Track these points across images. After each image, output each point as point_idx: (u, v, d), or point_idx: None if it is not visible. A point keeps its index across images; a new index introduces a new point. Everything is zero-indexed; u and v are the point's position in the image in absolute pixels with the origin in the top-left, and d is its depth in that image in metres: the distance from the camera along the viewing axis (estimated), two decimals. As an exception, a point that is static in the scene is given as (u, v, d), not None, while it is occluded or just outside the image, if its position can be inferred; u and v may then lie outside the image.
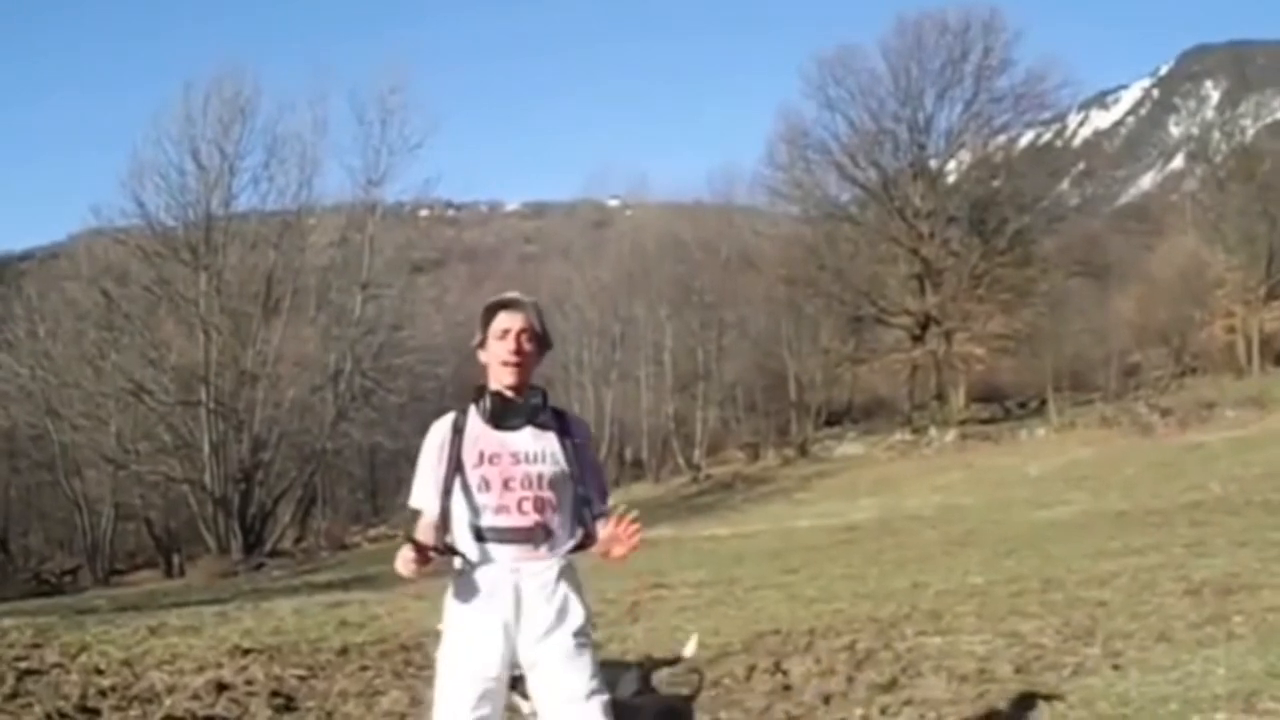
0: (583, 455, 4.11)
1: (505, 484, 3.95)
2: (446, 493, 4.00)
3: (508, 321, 4.07)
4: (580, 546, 4.06)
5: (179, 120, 44.13)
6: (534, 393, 4.06)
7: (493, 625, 3.92)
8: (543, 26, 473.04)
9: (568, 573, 4.02)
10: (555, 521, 4.00)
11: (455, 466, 3.99)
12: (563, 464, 4.02)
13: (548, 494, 3.98)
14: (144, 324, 44.20)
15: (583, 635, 3.97)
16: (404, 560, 3.80)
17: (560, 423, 4.10)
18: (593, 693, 3.90)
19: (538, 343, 4.11)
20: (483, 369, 4.12)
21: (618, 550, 3.91)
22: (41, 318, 47.80)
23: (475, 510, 3.98)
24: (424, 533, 4.00)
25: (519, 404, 4.03)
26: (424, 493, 4.06)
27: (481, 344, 4.11)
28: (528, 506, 3.94)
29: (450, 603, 4.04)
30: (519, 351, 4.05)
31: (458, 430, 4.03)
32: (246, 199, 45.60)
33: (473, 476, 3.98)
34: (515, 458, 3.97)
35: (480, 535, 3.97)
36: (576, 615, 3.98)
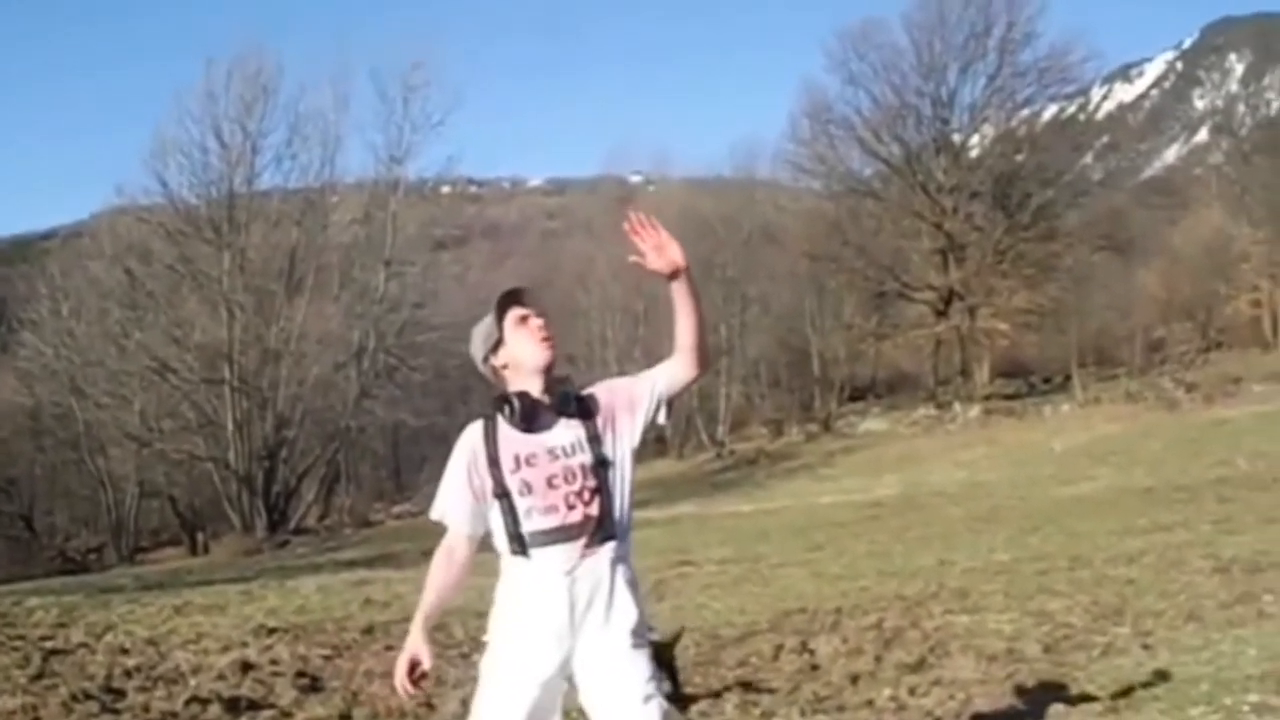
0: (619, 402, 3.88)
1: (548, 482, 3.74)
2: (480, 506, 3.82)
3: (524, 310, 3.89)
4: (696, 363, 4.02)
5: (201, 98, 44.33)
6: (562, 385, 3.85)
7: (544, 634, 3.73)
8: (564, 1, 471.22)
9: (620, 567, 3.80)
10: (603, 509, 3.77)
11: (490, 476, 3.79)
12: (601, 447, 3.81)
13: (592, 482, 3.76)
14: (168, 302, 44.42)
15: (636, 635, 3.77)
16: (399, 679, 3.75)
17: (583, 406, 3.85)
18: (649, 696, 3.71)
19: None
20: (499, 377, 3.92)
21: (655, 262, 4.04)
22: (65, 296, 48.00)
23: (518, 518, 3.76)
24: (447, 552, 3.87)
25: (547, 404, 3.81)
26: (450, 506, 3.87)
27: (496, 347, 3.90)
28: (575, 500, 3.73)
29: (498, 614, 3.86)
30: (547, 327, 3.86)
31: (489, 437, 3.82)
32: (269, 177, 45.93)
33: (512, 482, 3.76)
34: (552, 454, 3.76)
35: (527, 542, 3.75)
36: (629, 614, 3.78)
